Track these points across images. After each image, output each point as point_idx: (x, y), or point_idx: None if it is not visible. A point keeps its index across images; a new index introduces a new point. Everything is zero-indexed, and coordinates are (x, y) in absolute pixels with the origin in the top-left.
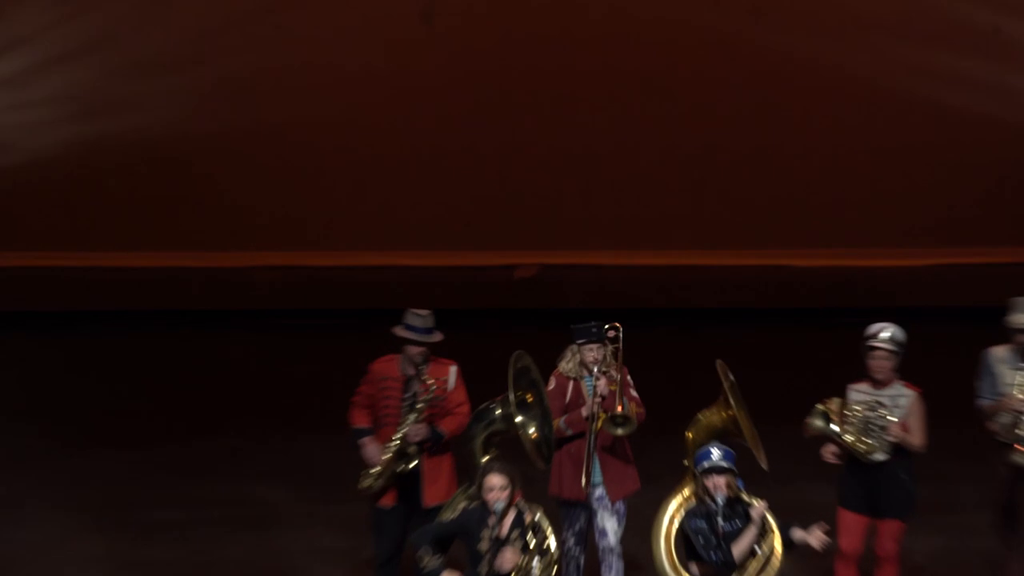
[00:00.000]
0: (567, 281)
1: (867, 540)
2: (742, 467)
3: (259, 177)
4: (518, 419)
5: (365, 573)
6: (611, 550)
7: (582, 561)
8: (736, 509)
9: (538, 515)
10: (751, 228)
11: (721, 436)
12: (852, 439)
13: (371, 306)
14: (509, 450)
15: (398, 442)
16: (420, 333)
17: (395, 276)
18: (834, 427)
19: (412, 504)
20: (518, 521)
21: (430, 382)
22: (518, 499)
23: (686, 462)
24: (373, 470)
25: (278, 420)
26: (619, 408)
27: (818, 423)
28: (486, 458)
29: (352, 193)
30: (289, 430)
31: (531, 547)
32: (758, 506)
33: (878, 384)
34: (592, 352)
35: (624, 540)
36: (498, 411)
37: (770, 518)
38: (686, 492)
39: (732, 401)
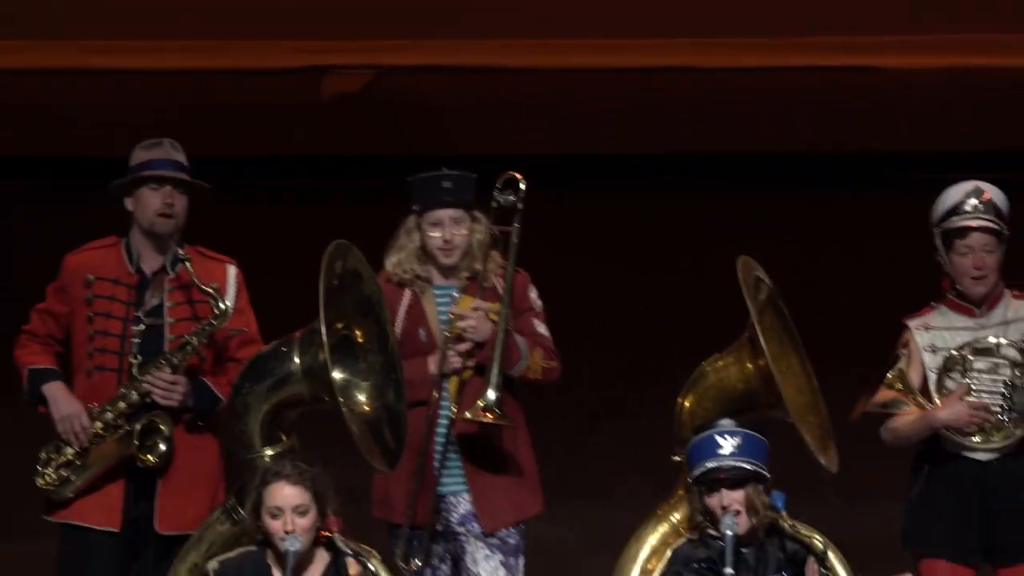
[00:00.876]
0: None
1: None
2: (781, 466)
3: None
4: (336, 376)
5: None
6: None
7: None
8: (769, 552)
9: (373, 567)
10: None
11: (743, 407)
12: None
13: None
14: (319, 435)
15: (128, 402)
16: (171, 168)
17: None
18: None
19: (135, 529)
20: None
21: (210, 289)
22: (333, 532)
23: (676, 456)
24: (66, 451)
25: None
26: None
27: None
28: (270, 452)
29: None
30: None
31: None
32: (818, 544)
33: (976, 305)
34: (446, 231)
35: None
36: (297, 360)
37: (839, 568)
38: (676, 517)
39: (764, 340)
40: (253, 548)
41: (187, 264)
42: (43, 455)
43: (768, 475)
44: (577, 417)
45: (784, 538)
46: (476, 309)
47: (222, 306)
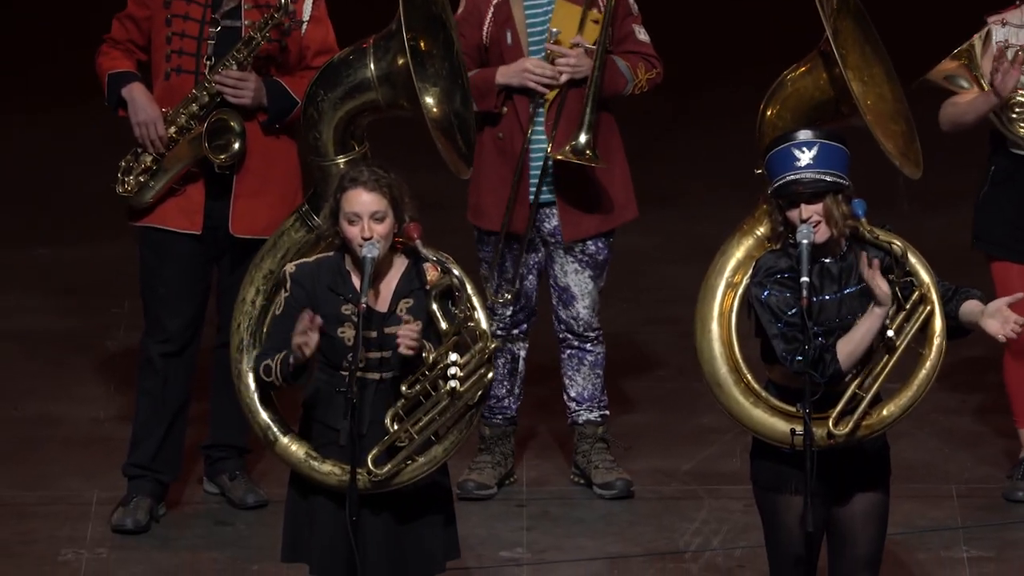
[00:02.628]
0: None
1: None
2: (863, 177)
3: None
4: (414, 83)
5: None
6: (579, 324)
7: (523, 350)
8: (852, 262)
9: (456, 273)
10: None
11: (821, 117)
12: None
13: None
14: (394, 142)
15: (200, 103)
16: None
17: None
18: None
19: (215, 233)
20: (411, 280)
21: None
22: (413, 239)
23: (759, 170)
24: (144, 158)
25: None
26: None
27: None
28: (343, 159)
29: None
30: None
31: (445, 329)
32: (897, 248)
33: None
34: None
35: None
36: (372, 66)
37: (926, 278)
38: (760, 231)
39: (838, 48)
40: (331, 254)
41: None
42: (123, 164)
43: (848, 183)
44: (659, 124)
45: (867, 247)
46: (576, 46)
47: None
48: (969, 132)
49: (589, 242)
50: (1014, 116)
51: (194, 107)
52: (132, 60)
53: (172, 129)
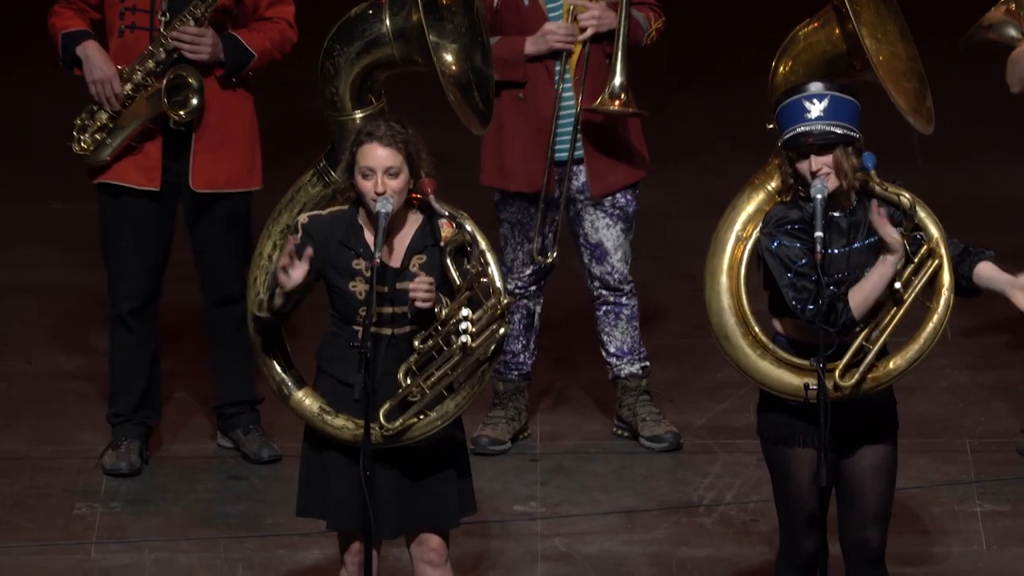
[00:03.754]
0: None
1: None
2: (875, 131)
3: None
4: (429, 38)
5: None
6: (614, 278)
7: (539, 305)
8: (860, 216)
9: (469, 228)
10: None
11: (833, 72)
12: None
13: None
14: (411, 98)
15: (156, 60)
16: None
17: None
18: None
19: (174, 188)
20: (425, 236)
21: None
22: (428, 194)
23: (771, 125)
24: (100, 115)
25: None
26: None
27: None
28: (360, 114)
29: None
30: None
31: (457, 285)
32: (906, 201)
33: None
34: None
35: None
36: (387, 21)
37: (934, 231)
38: (771, 185)
39: (850, 5)
40: (346, 207)
41: None
42: (78, 122)
43: (858, 136)
44: (667, 81)
45: (875, 200)
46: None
47: None
48: (983, 87)
49: (619, 195)
50: None
51: (151, 63)
52: (85, 19)
53: (128, 86)
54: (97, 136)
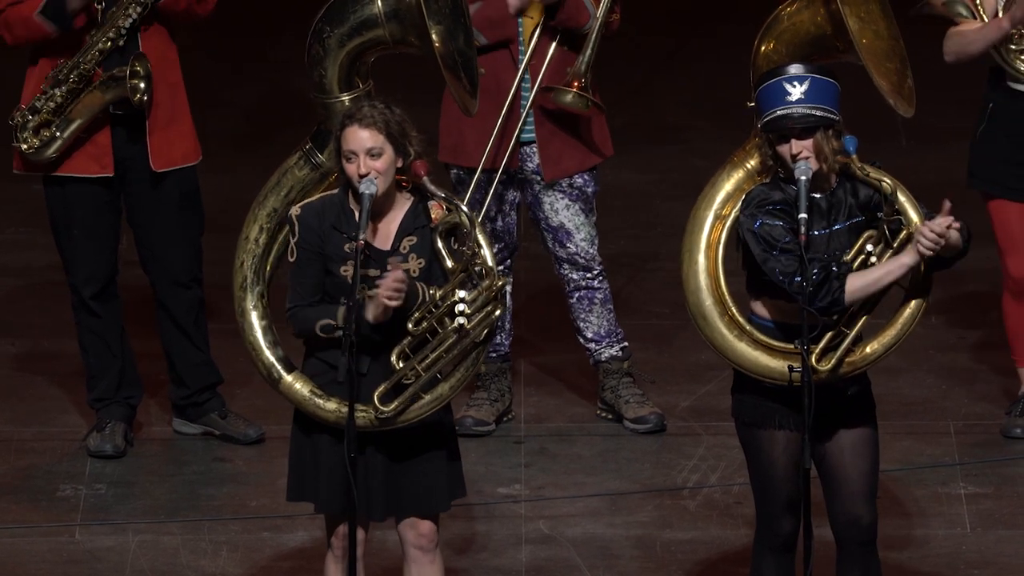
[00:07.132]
0: None
1: None
2: (854, 113)
3: None
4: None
5: None
6: (582, 257)
7: (509, 284)
8: (841, 198)
9: (464, 209)
10: None
11: (815, 52)
12: None
13: None
14: (393, 79)
15: (98, 50)
16: None
17: None
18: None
19: (125, 170)
20: (416, 217)
21: None
22: (421, 176)
23: (751, 103)
24: (41, 101)
25: None
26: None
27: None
28: (347, 97)
29: None
30: None
31: (451, 267)
32: (887, 186)
33: None
34: None
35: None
36: (379, 3)
37: (914, 217)
38: (751, 163)
39: None
40: (335, 192)
41: None
42: (16, 121)
43: (838, 118)
44: (650, 61)
45: (856, 183)
46: None
47: None
48: (968, 68)
49: (576, 176)
50: (1013, 48)
51: (95, 52)
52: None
53: (73, 75)
54: (45, 132)
